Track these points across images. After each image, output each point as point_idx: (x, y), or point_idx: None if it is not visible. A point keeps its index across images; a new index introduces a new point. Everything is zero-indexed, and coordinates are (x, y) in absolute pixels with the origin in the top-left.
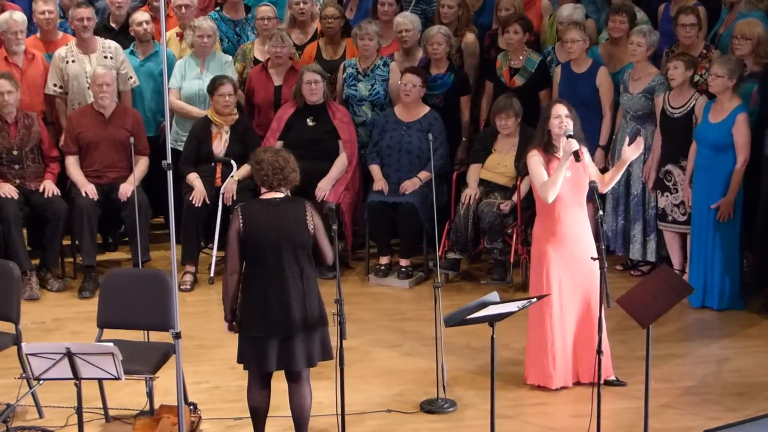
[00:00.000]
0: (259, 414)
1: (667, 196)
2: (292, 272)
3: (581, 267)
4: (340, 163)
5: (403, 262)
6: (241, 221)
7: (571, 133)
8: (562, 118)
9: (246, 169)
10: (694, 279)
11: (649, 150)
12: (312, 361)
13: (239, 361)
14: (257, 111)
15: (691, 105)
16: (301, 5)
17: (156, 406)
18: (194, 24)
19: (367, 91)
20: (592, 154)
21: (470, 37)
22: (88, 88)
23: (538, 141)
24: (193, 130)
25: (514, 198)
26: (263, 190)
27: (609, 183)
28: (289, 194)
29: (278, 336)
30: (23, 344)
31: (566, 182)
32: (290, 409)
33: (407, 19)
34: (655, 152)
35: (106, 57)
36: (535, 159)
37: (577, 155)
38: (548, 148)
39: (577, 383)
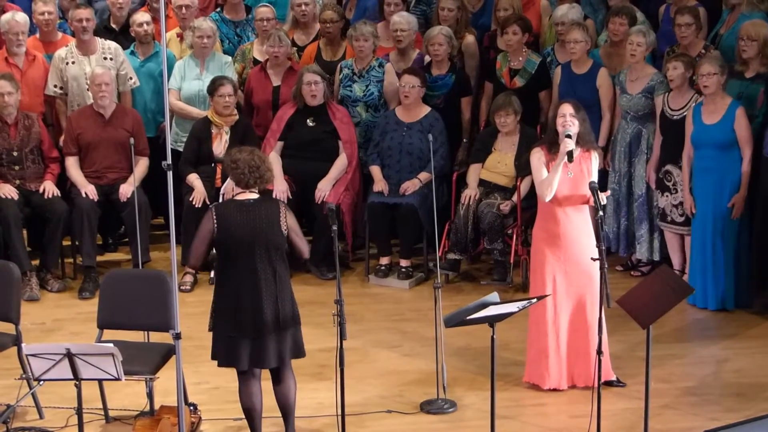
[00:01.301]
0: (252, 414)
1: (667, 196)
2: (265, 273)
3: (577, 268)
4: (340, 163)
5: (403, 263)
6: (215, 221)
7: (570, 134)
8: (566, 117)
9: None
10: (694, 279)
11: (652, 150)
12: (283, 360)
13: (213, 357)
14: (256, 111)
15: (691, 106)
16: (303, 7)
17: (156, 406)
18: (194, 25)
19: (361, 92)
20: None
21: (470, 39)
22: (88, 89)
23: (544, 138)
24: (193, 130)
25: (514, 198)
26: (238, 190)
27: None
28: (262, 195)
29: (250, 336)
30: (23, 345)
31: (567, 182)
32: (276, 400)
33: (404, 19)
34: (655, 152)
35: (105, 58)
36: (536, 156)
37: (570, 156)
38: (552, 147)
39: (573, 387)
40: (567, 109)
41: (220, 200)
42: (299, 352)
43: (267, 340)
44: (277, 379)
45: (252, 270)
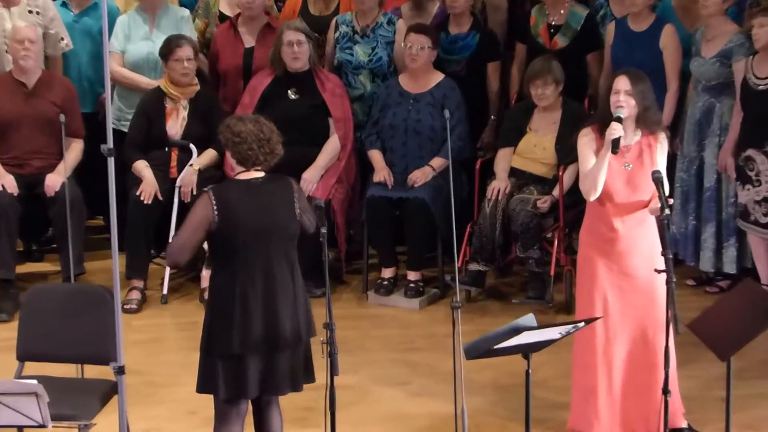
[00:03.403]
0: None
1: (748, 189)
2: (281, 271)
3: (636, 283)
4: (331, 147)
5: (412, 276)
6: (215, 209)
7: (621, 116)
8: (620, 94)
9: (210, 155)
10: None
11: (726, 130)
12: (297, 385)
13: (204, 389)
14: (223, 80)
15: None
16: None
17: None
18: None
19: (365, 57)
20: None
21: None
22: (7, 52)
23: (596, 117)
24: (142, 105)
25: (555, 192)
26: (238, 169)
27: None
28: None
29: (261, 352)
30: None
31: (622, 176)
32: None
33: None
34: (732, 134)
35: (31, 12)
36: (585, 140)
37: (616, 145)
38: (607, 128)
39: None
40: (623, 83)
41: (176, 195)
42: (310, 374)
43: (282, 358)
44: (262, 418)
45: (266, 268)
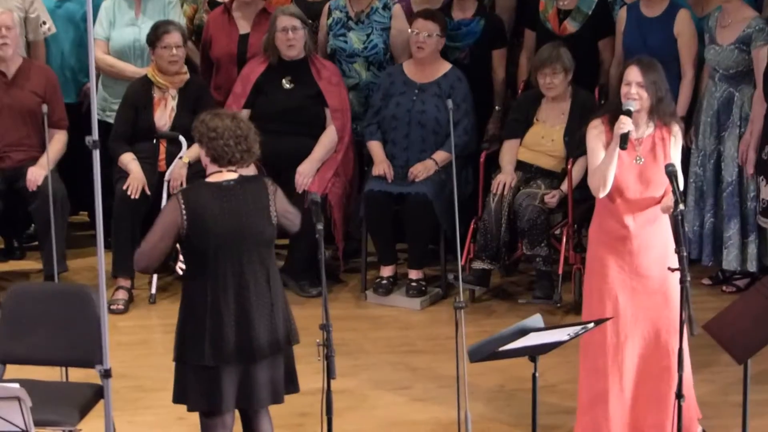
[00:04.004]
0: None
1: None
2: (255, 278)
3: (648, 283)
4: (328, 139)
5: (413, 275)
6: (184, 214)
7: (631, 109)
8: (631, 86)
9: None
10: None
11: (747, 121)
12: (278, 397)
13: (178, 399)
14: (216, 69)
15: None
16: None
17: None
18: None
19: (360, 44)
20: None
21: None
22: None
23: (607, 107)
24: (128, 95)
25: (564, 187)
26: (212, 169)
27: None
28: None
29: (237, 364)
30: None
31: (633, 170)
32: None
33: None
34: (755, 125)
35: None
36: (594, 132)
37: (624, 140)
38: (615, 120)
39: None
40: (634, 74)
41: (165, 189)
42: (294, 383)
43: (260, 369)
44: (251, 425)
45: (238, 275)
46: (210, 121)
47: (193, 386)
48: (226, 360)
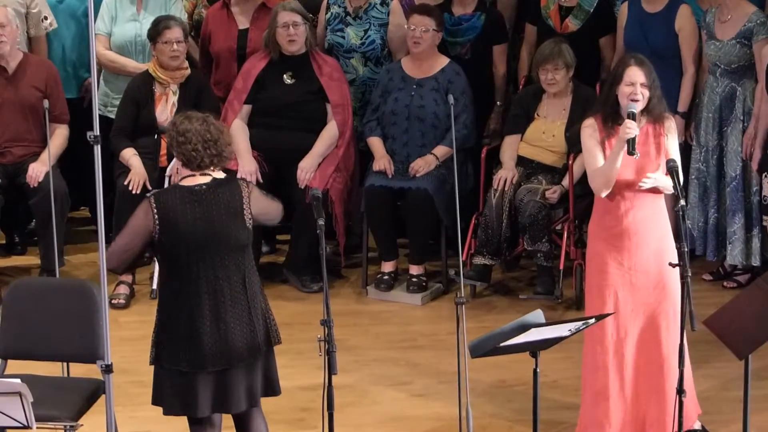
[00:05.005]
0: None
1: None
2: (230, 283)
3: (648, 279)
4: (329, 134)
5: (414, 270)
6: (156, 218)
7: (635, 112)
8: (636, 87)
9: None
10: None
11: (750, 115)
12: (255, 400)
13: (156, 402)
14: (216, 64)
15: None
16: None
17: None
18: None
19: (358, 40)
20: None
21: None
22: None
23: (599, 107)
24: (129, 90)
25: (565, 182)
26: (185, 172)
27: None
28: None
29: (212, 369)
30: None
31: (631, 165)
32: None
33: None
34: (761, 119)
35: None
36: (588, 133)
37: (632, 146)
38: (611, 120)
39: None
40: (637, 75)
41: (166, 184)
42: (272, 387)
43: (235, 373)
44: (245, 427)
45: (212, 280)
46: (180, 125)
47: (169, 390)
48: (201, 365)
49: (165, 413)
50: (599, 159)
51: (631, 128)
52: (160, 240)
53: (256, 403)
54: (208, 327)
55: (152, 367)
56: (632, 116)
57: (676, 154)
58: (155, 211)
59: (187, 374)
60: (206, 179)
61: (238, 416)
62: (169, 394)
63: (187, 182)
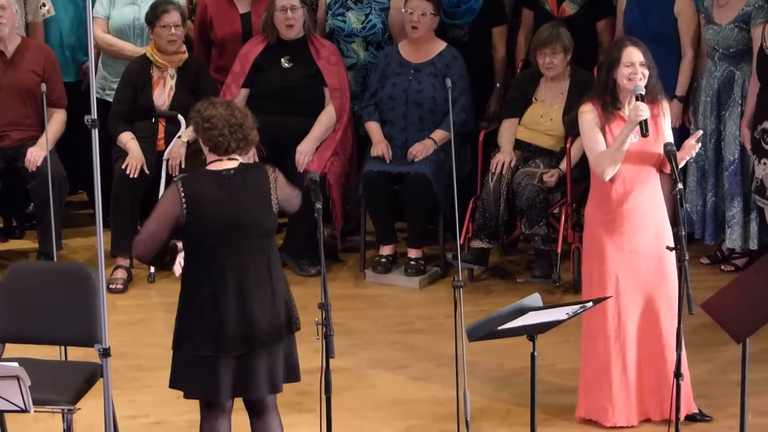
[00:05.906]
0: None
1: (764, 163)
2: (256, 268)
3: (647, 262)
4: (327, 118)
5: (412, 254)
6: (184, 203)
7: (643, 93)
8: (635, 67)
9: None
10: None
11: (746, 99)
12: (276, 386)
13: (174, 385)
14: (219, 50)
15: None
16: None
17: None
18: None
19: (359, 24)
20: None
21: None
22: None
23: (597, 91)
24: (127, 74)
25: (563, 166)
26: (212, 158)
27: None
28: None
29: (234, 353)
30: None
31: (631, 148)
32: None
33: None
34: (748, 100)
35: None
36: (587, 117)
37: (645, 127)
38: (609, 104)
39: (648, 420)
40: (636, 55)
41: (164, 168)
42: (294, 372)
43: (258, 359)
44: (258, 413)
45: (238, 265)
46: (204, 111)
47: (190, 375)
48: (224, 350)
49: (186, 397)
50: (601, 143)
51: (643, 110)
52: (187, 224)
53: (277, 389)
54: (233, 311)
55: (172, 344)
56: (641, 98)
57: (670, 137)
58: (183, 195)
59: (209, 358)
60: (233, 164)
61: (254, 416)
62: (191, 379)
63: (214, 167)
